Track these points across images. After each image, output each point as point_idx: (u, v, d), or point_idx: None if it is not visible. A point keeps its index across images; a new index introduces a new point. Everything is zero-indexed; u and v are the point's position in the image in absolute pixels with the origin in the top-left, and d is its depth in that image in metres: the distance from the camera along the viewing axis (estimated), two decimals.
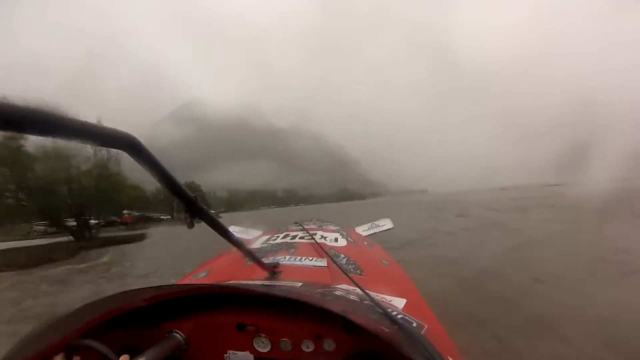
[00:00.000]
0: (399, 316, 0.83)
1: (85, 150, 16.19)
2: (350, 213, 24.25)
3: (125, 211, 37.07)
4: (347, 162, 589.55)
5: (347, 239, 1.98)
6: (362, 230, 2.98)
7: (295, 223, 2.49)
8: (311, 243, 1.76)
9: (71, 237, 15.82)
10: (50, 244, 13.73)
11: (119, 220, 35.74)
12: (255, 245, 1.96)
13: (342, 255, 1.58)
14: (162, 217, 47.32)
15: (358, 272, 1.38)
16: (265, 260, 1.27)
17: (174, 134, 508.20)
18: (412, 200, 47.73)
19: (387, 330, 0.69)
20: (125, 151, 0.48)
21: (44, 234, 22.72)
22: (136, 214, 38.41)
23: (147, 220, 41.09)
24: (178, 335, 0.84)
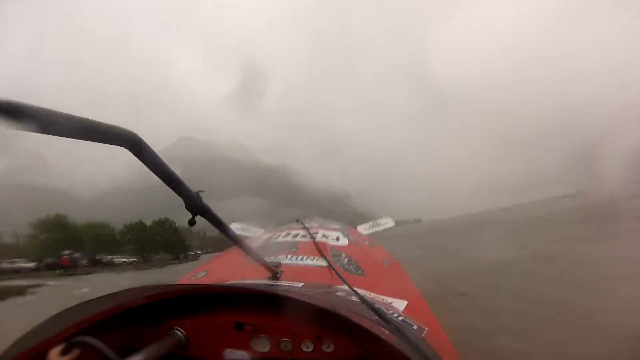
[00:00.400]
0: (400, 318, 0.84)
1: None
2: None
3: (65, 252, 30.61)
4: (339, 196, 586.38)
5: (348, 238, 1.96)
6: (364, 229, 2.93)
7: (298, 221, 2.39)
8: (313, 242, 1.73)
9: None
10: None
11: (57, 261, 29.08)
12: (257, 243, 1.97)
13: (344, 255, 1.59)
14: (118, 259, 39.36)
15: (359, 272, 1.42)
16: (267, 260, 1.23)
17: None
18: (423, 231, 38.41)
19: (388, 333, 0.69)
20: (127, 148, 0.47)
21: None
22: (77, 255, 31.30)
23: (96, 264, 34.01)
24: (178, 333, 0.84)
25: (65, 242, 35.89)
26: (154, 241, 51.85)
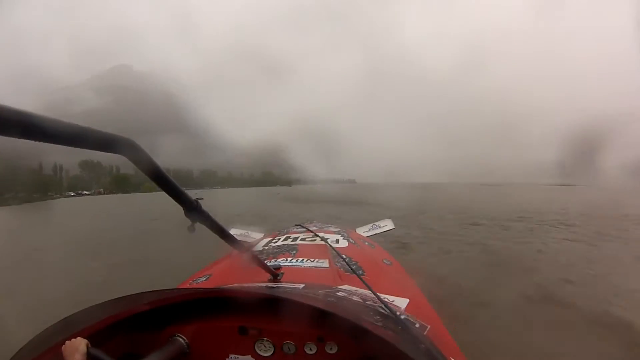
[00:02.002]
0: (402, 317, 0.85)
1: None
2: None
3: None
4: (273, 144, 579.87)
5: (348, 240, 2.02)
6: (363, 231, 3.01)
7: (296, 225, 2.50)
8: (312, 244, 1.81)
9: None
10: None
11: None
12: (257, 248, 1.97)
13: (344, 256, 1.58)
14: None
15: (360, 272, 1.39)
16: (267, 263, 1.27)
17: (90, 102, 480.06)
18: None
19: (390, 332, 0.71)
20: (124, 155, 0.47)
21: None
22: None
23: None
24: (180, 339, 0.84)
25: None
26: None
